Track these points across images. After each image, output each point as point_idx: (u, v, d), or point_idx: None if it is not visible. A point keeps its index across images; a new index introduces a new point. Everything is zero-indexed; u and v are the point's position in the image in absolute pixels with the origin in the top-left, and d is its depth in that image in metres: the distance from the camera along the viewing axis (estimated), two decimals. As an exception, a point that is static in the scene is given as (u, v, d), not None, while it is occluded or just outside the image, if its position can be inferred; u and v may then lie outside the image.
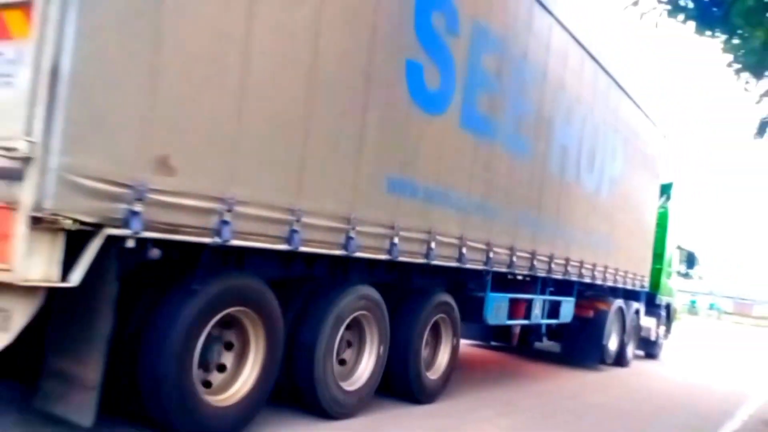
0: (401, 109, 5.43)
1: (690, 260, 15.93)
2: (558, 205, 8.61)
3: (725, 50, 7.91)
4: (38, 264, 3.11)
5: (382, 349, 5.67)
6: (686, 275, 16.13)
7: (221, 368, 4.46)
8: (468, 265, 6.47)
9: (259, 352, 4.51)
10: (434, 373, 6.49)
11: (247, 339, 4.48)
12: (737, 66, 7.95)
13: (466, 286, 7.06)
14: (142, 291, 4.11)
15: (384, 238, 5.34)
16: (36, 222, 3.05)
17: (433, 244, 5.88)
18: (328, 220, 4.74)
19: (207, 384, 4.34)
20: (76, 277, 3.23)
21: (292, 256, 4.87)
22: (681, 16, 7.72)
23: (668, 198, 14.02)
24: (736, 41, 7.66)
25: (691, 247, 16.12)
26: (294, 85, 4.39)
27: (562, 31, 8.12)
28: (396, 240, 5.41)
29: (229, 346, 4.49)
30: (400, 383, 6.06)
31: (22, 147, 3.03)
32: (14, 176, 3.08)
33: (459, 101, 6.16)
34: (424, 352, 6.33)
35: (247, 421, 4.48)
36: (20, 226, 3.04)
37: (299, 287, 5.19)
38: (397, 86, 5.34)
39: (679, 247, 15.10)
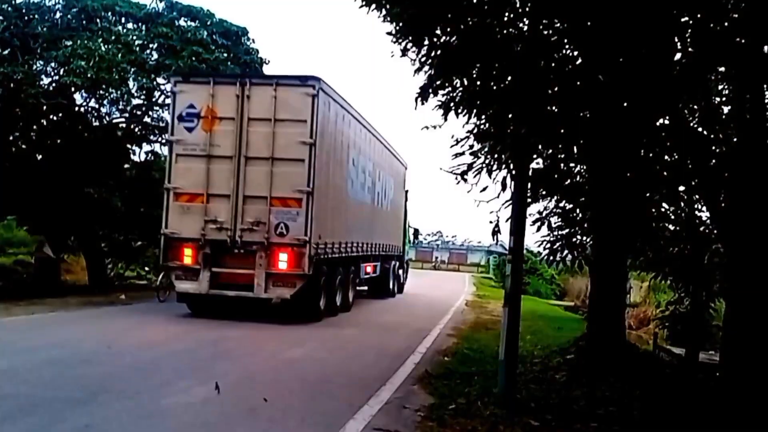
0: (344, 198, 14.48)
1: (415, 233, 27.04)
2: (374, 221, 18.17)
3: (385, 20, 8.03)
4: (308, 268, 11.64)
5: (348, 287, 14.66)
6: (414, 242, 27.29)
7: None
8: (361, 254, 15.71)
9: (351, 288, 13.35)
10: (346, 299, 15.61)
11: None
12: (398, 34, 7.97)
13: (356, 262, 16.22)
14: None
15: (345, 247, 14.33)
16: (310, 258, 11.60)
17: (356, 250, 14.99)
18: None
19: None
20: (309, 271, 11.81)
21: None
22: None
23: (407, 200, 24.62)
24: (395, 10, 7.78)
25: (416, 225, 27.31)
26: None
27: (377, 140, 17.61)
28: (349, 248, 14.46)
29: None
30: (341, 303, 15.05)
31: (305, 238, 11.54)
32: (302, 245, 11.55)
33: (366, 191, 15.35)
34: (348, 291, 15.46)
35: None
36: (305, 260, 11.55)
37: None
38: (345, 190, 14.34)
39: (410, 226, 25.95)
